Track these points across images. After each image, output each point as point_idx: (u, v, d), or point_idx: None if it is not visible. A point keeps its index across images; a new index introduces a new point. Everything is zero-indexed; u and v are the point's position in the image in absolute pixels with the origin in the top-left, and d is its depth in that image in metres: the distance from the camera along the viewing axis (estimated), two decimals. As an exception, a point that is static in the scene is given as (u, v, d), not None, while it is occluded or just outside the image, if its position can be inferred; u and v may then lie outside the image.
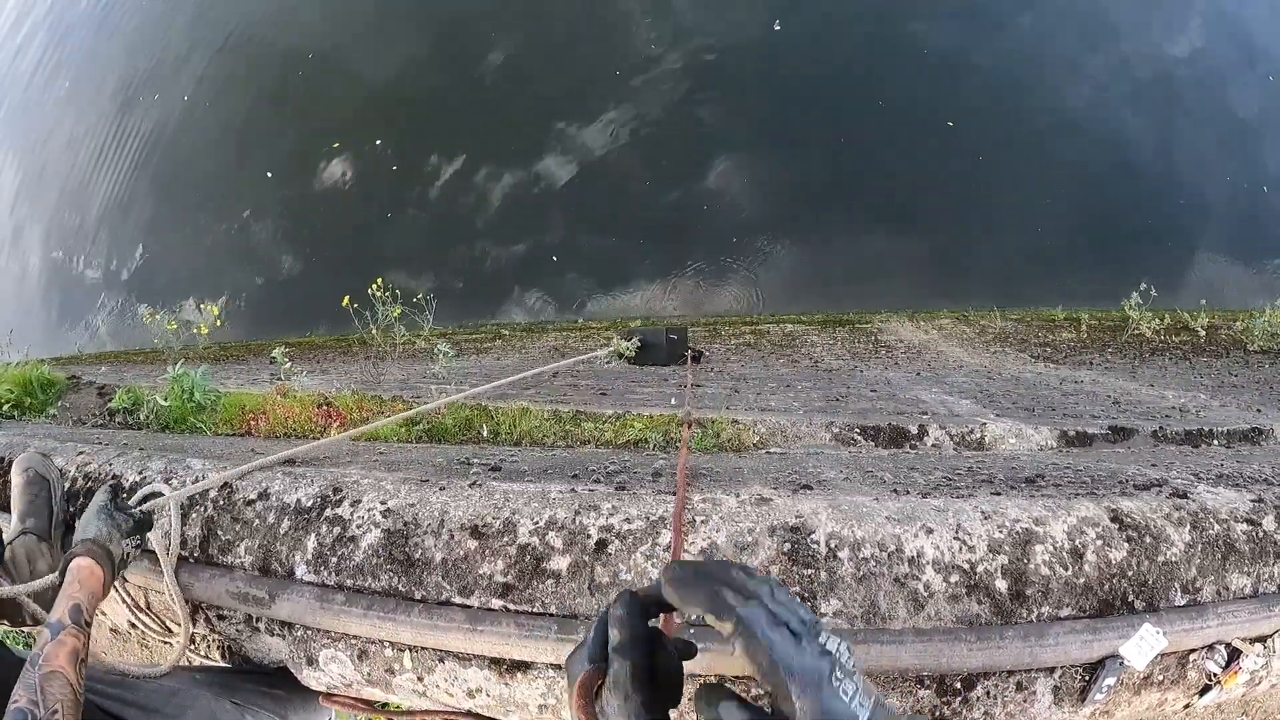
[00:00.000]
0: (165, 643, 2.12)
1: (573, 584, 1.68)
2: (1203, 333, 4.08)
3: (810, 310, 6.18)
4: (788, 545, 1.67)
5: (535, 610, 1.68)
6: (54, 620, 1.46)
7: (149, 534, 1.92)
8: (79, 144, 11.22)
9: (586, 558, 1.69)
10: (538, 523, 1.77)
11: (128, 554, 1.78)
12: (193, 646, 2.05)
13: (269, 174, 9.03)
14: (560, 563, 1.70)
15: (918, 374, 3.52)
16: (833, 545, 1.67)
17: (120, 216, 10.29)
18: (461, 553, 1.77)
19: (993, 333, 4.29)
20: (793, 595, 0.91)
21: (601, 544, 1.71)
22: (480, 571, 1.74)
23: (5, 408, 2.94)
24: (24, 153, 12.42)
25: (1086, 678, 1.70)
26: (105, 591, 1.65)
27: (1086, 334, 4.24)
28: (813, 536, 1.69)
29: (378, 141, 8.45)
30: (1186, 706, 1.89)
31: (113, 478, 1.96)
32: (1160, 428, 2.56)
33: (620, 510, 1.77)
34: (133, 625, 2.19)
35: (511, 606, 1.70)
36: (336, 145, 8.66)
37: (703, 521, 1.72)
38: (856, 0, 8.21)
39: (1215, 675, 1.79)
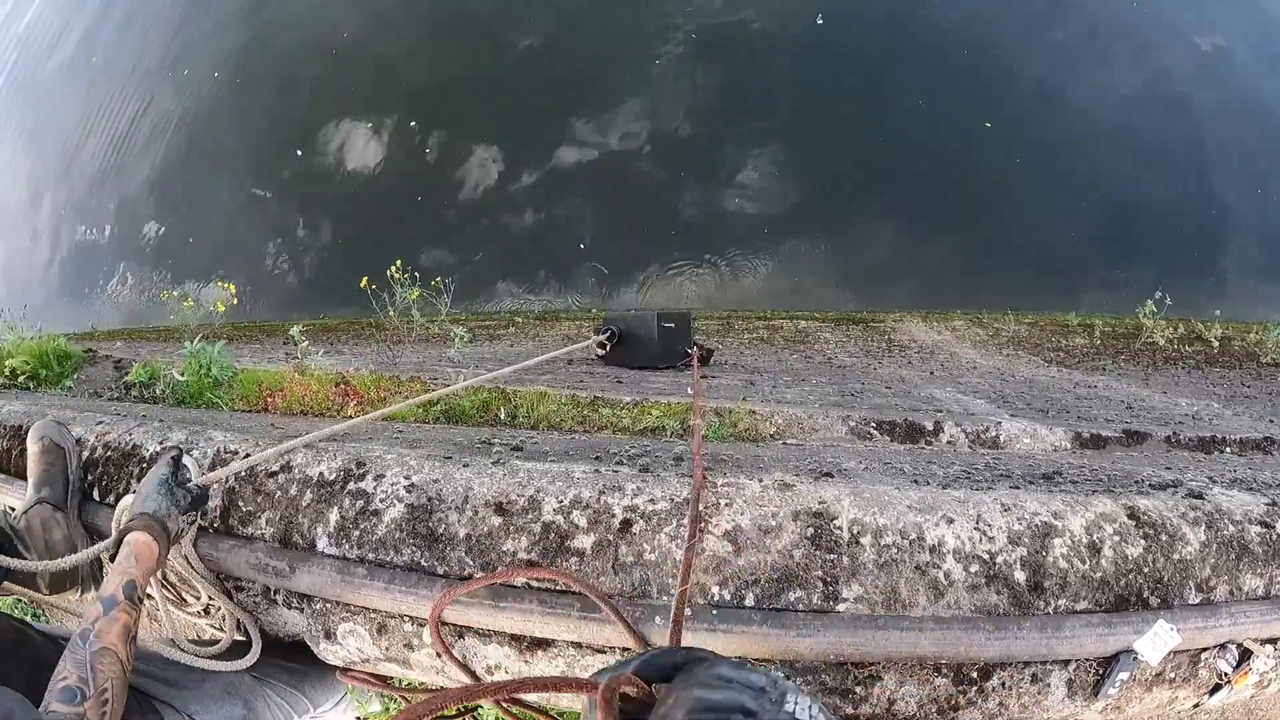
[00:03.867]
0: (182, 614, 2.15)
1: (597, 562, 1.72)
2: (1216, 343, 4.15)
3: (824, 307, 6.25)
4: (811, 530, 1.71)
5: (558, 588, 1.72)
6: (107, 595, 1.44)
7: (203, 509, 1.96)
8: (105, 118, 11.30)
9: (611, 537, 1.73)
10: (562, 501, 1.81)
11: (182, 530, 1.80)
12: (208, 618, 2.08)
13: (298, 152, 9.09)
14: (584, 541, 1.74)
15: (931, 373, 3.58)
16: (855, 531, 1.72)
17: (141, 192, 10.39)
18: (485, 529, 1.81)
19: (1006, 336, 4.35)
20: (741, 670, 0.87)
21: (626, 524, 1.75)
22: (504, 548, 1.77)
23: (21, 379, 2.97)
24: (47, 127, 12.47)
25: (1100, 672, 1.75)
26: (159, 568, 1.66)
27: (1100, 340, 4.31)
28: (835, 522, 1.73)
29: (412, 123, 8.52)
30: (1196, 705, 1.94)
31: (175, 449, 1.94)
32: (1174, 433, 2.62)
33: (644, 491, 1.81)
34: (147, 596, 2.22)
35: (534, 584, 1.74)
36: (370, 125, 8.73)
37: (726, 505, 1.76)
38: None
39: (1226, 675, 1.84)
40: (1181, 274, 6.13)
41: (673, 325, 4.33)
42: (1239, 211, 6.77)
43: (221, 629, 2.06)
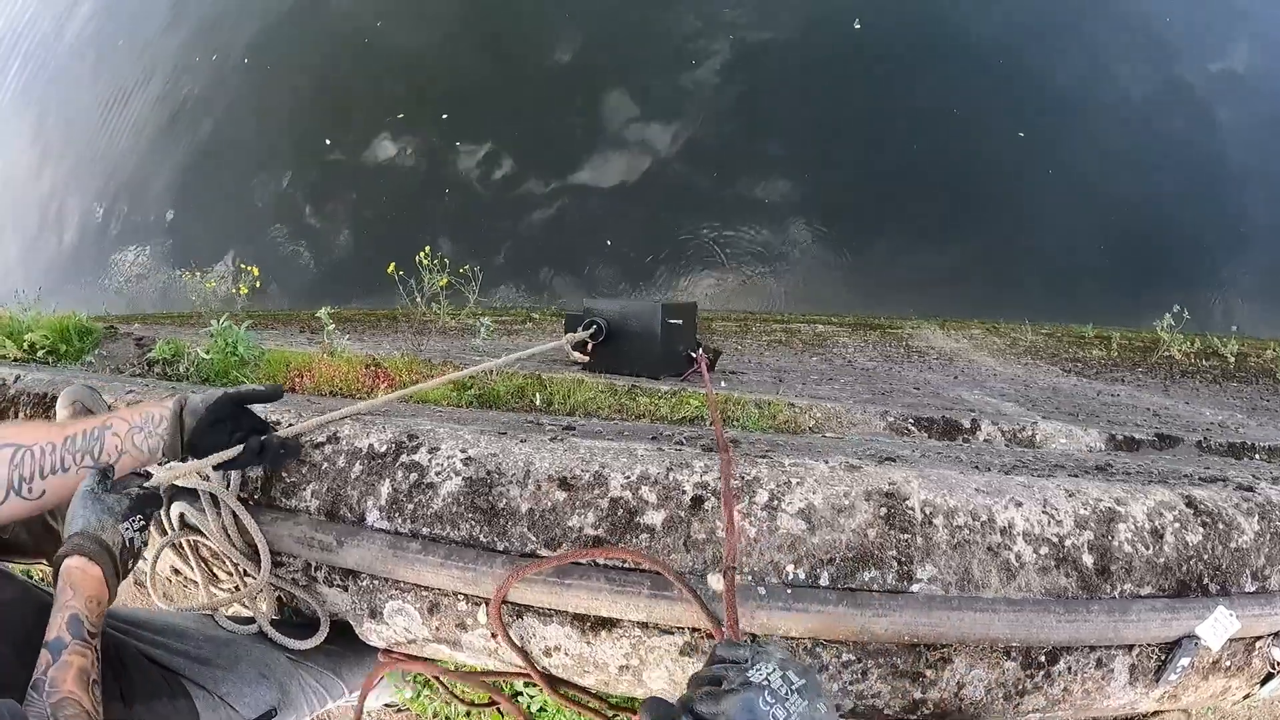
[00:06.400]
0: (217, 590, 2.11)
1: (668, 539, 1.74)
2: (1232, 359, 4.33)
3: (840, 312, 6.39)
4: (884, 510, 1.76)
5: (626, 565, 1.73)
6: (52, 639, 1.30)
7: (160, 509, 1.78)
8: (129, 102, 11.23)
9: (682, 513, 1.76)
10: (629, 477, 1.83)
11: (131, 540, 1.53)
12: (238, 594, 2.04)
13: (326, 141, 9.07)
14: (655, 518, 1.76)
15: (955, 378, 3.69)
16: (927, 512, 1.77)
17: (163, 178, 10.34)
18: (549, 504, 1.82)
19: (1023, 345, 4.50)
20: (733, 654, 1.13)
21: (697, 500, 1.77)
22: (569, 524, 1.79)
23: (40, 354, 2.90)
24: (68, 109, 12.30)
25: (1161, 658, 1.82)
26: (111, 592, 1.46)
27: (1117, 353, 4.47)
28: (907, 502, 1.78)
29: (444, 115, 8.55)
30: (1246, 696, 2.02)
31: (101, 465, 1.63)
32: (1204, 438, 2.74)
33: (713, 469, 1.84)
34: (175, 571, 2.18)
35: (601, 561, 1.75)
36: (401, 116, 8.76)
37: (798, 484, 1.80)
38: (938, 4, 8.51)
39: (1278, 663, 1.92)
40: (1199, 289, 6.36)
41: (679, 321, 3.56)
42: (1261, 229, 7.03)
43: (258, 606, 2.03)
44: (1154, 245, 6.89)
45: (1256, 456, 2.69)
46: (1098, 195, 7.06)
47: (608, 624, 1.78)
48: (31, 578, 2.48)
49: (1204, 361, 4.33)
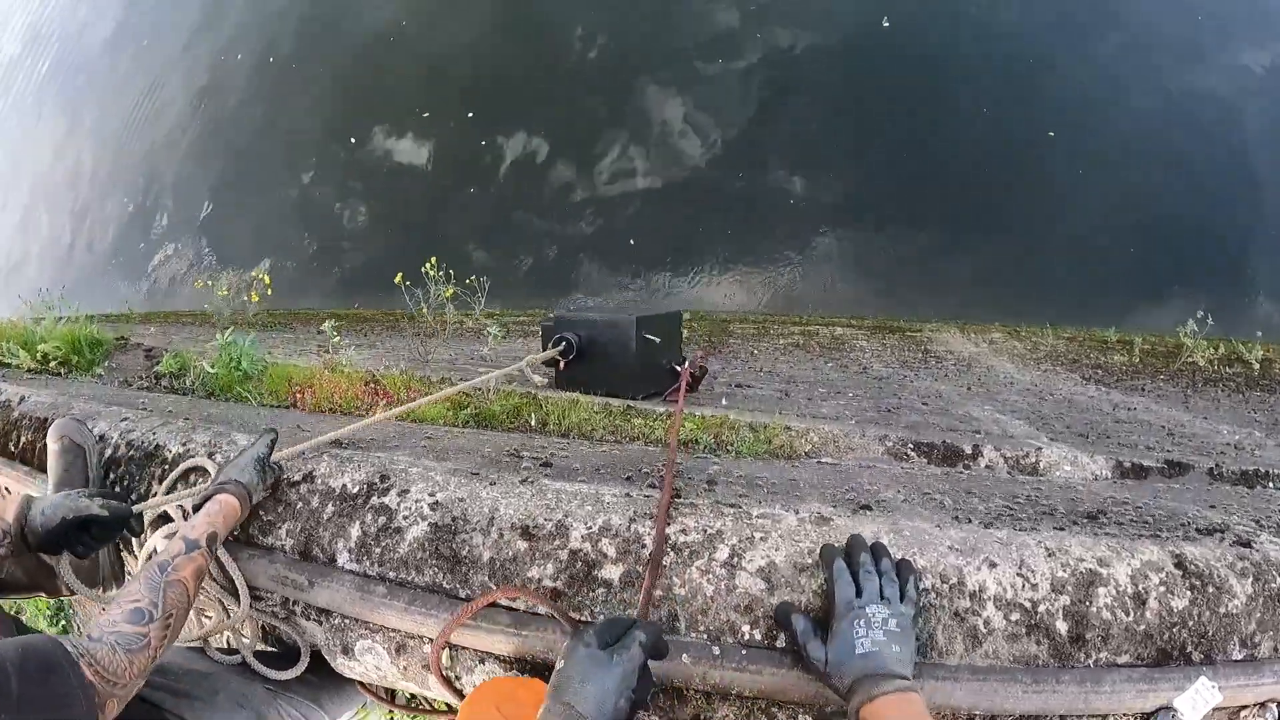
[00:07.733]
0: (202, 621, 2.17)
1: (624, 595, 1.72)
2: (1257, 366, 4.13)
3: (860, 314, 6.28)
4: (848, 571, 1.69)
5: (583, 619, 1.71)
6: (192, 538, 1.64)
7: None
8: (155, 100, 11.46)
9: (640, 568, 1.73)
10: (591, 528, 1.81)
11: (255, 509, 1.98)
12: (222, 626, 2.08)
13: (351, 140, 9.17)
14: (613, 572, 1.74)
15: (968, 388, 3.57)
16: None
17: (186, 175, 10.62)
18: (510, 554, 1.81)
19: (1044, 350, 4.34)
20: (897, 581, 1.58)
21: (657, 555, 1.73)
22: (529, 574, 1.78)
23: (52, 365, 3.00)
24: (97, 106, 12.64)
25: (1137, 728, 1.75)
26: (232, 532, 1.89)
27: (1139, 358, 4.30)
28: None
29: (469, 114, 8.55)
30: (1231, 762, 1.94)
31: (272, 431, 2.05)
32: (1216, 464, 2.60)
33: (676, 520, 1.81)
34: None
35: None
36: (426, 115, 8.80)
37: (762, 539, 1.75)
38: (968, 2, 8.21)
39: (1265, 732, 1.83)
40: (1227, 293, 6.10)
41: (658, 338, 3.16)
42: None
43: (241, 638, 2.07)
44: (1183, 247, 6.57)
45: (1270, 485, 2.55)
46: (1127, 195, 6.73)
47: (538, 668, 1.77)
48: (23, 613, 2.57)
49: (1228, 369, 4.13)
